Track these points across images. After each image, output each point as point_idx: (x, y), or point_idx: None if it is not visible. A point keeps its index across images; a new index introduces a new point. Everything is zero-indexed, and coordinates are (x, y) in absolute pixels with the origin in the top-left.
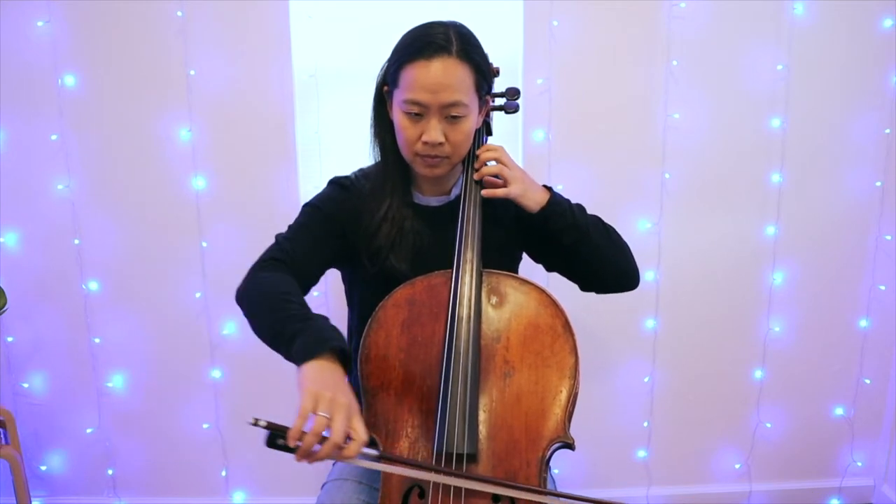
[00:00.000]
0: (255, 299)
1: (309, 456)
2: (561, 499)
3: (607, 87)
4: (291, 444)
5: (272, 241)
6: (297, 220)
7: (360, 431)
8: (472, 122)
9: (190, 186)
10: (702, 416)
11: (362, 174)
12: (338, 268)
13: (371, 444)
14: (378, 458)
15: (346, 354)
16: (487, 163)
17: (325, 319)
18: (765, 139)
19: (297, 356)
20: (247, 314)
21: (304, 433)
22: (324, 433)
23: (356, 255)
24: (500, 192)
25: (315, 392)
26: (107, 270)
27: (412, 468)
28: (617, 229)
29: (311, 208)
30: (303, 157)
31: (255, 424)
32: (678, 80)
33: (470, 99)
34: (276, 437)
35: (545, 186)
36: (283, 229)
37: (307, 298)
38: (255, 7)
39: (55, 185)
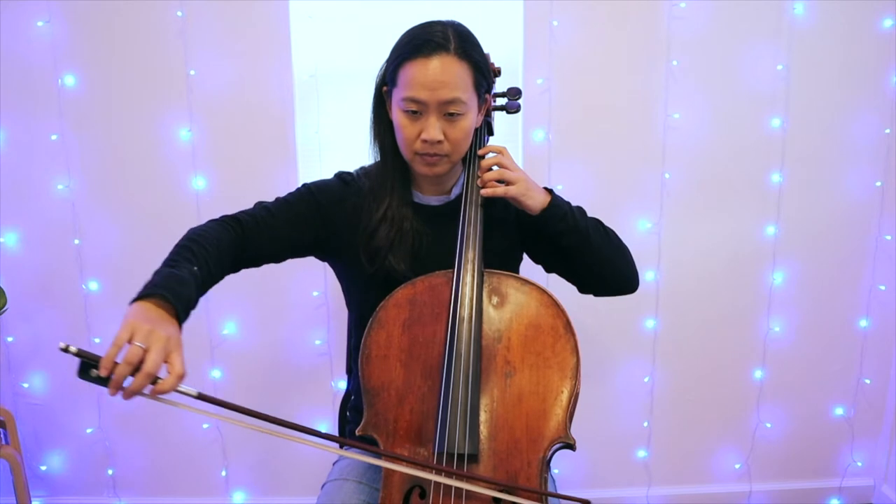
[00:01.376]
0: (176, 244)
1: (122, 389)
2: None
3: (607, 87)
4: (104, 373)
5: None
6: (286, 196)
7: (178, 365)
8: (471, 120)
9: (190, 186)
10: (702, 416)
11: (364, 172)
12: (328, 263)
13: (370, 443)
14: (198, 397)
15: (179, 308)
16: (489, 161)
17: (187, 271)
18: (765, 139)
19: (135, 297)
20: None
21: (116, 364)
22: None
23: (350, 253)
24: (499, 190)
25: (133, 323)
26: (107, 270)
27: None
28: (617, 232)
29: (305, 190)
30: (303, 157)
31: (66, 350)
32: (678, 80)
33: (468, 97)
34: (89, 366)
35: (546, 189)
36: None
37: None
38: (255, 7)
39: (55, 185)
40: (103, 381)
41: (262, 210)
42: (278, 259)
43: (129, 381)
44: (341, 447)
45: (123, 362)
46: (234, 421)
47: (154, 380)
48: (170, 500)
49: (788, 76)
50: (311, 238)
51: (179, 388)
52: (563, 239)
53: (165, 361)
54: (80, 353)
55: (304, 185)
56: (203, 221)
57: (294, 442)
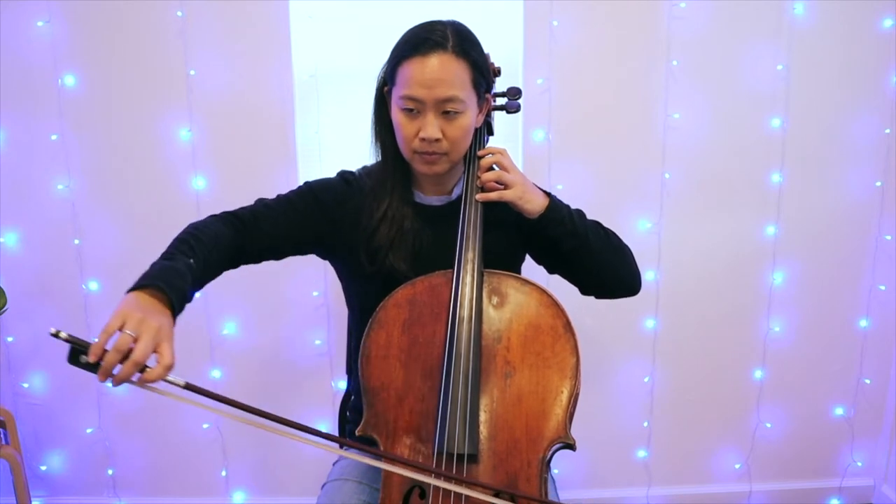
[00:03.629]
0: (175, 238)
1: (112, 376)
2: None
3: (607, 87)
4: (93, 359)
5: None
6: (287, 193)
7: (167, 355)
8: (470, 118)
9: (190, 186)
10: (702, 416)
11: (365, 172)
12: (329, 261)
13: (370, 443)
14: (185, 387)
15: (174, 299)
16: (488, 161)
17: (183, 264)
18: (765, 139)
19: (127, 290)
20: None
21: (106, 351)
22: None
23: (351, 252)
24: (493, 195)
25: (124, 312)
26: (107, 270)
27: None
28: (617, 233)
29: (306, 189)
30: (303, 157)
31: (56, 336)
32: (678, 80)
33: (467, 95)
34: (79, 352)
35: (545, 192)
36: None
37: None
38: (255, 7)
39: (55, 185)
40: (92, 368)
41: (262, 206)
42: (278, 255)
43: (118, 369)
44: (341, 447)
45: (113, 350)
46: (223, 413)
47: (143, 368)
48: (170, 500)
49: (788, 76)
50: (312, 235)
51: (167, 378)
52: (562, 243)
53: (155, 351)
54: (70, 339)
55: (306, 184)
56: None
57: (294, 441)
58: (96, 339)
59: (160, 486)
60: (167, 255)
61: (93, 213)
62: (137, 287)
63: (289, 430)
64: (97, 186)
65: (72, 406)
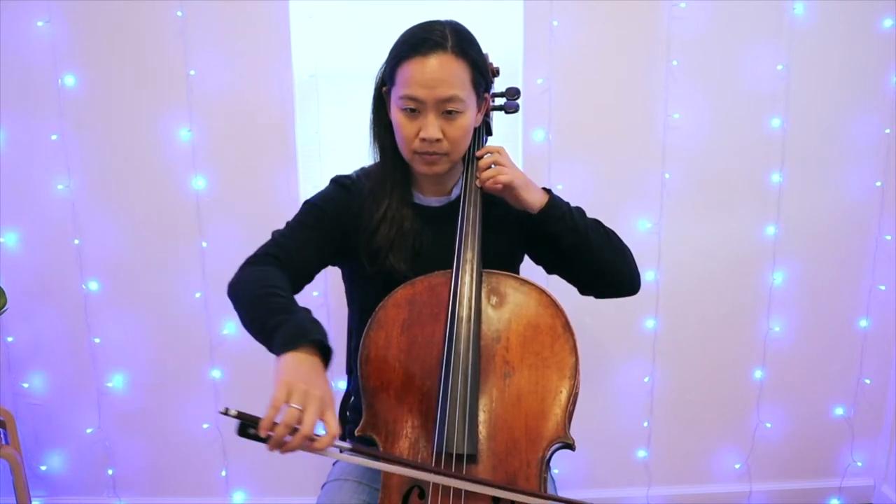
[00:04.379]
0: (243, 293)
1: (281, 446)
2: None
3: (607, 87)
4: (262, 434)
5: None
6: (295, 217)
7: (333, 425)
8: (470, 118)
9: (190, 186)
10: (702, 416)
11: (364, 173)
12: (337, 266)
13: (369, 443)
14: (352, 451)
15: (327, 348)
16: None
17: (307, 312)
18: (765, 139)
19: (277, 348)
20: (236, 307)
21: (275, 424)
22: (297, 426)
23: (354, 254)
24: (501, 178)
25: (289, 382)
26: (107, 270)
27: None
28: (617, 233)
29: (310, 206)
30: (303, 157)
31: (226, 414)
32: (678, 80)
33: (466, 95)
34: (247, 426)
35: (545, 189)
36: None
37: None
38: (255, 7)
39: (55, 185)
40: (262, 440)
41: (284, 239)
42: (311, 278)
43: (288, 438)
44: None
45: (282, 424)
46: (385, 468)
47: (311, 438)
48: (170, 500)
49: (788, 76)
50: (333, 247)
51: (334, 443)
52: (561, 239)
53: (321, 419)
54: (239, 415)
55: (307, 203)
56: (202, 221)
57: None
58: (265, 413)
59: (160, 486)
60: (283, 308)
61: (93, 213)
62: (290, 345)
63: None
64: (97, 186)
65: (72, 406)
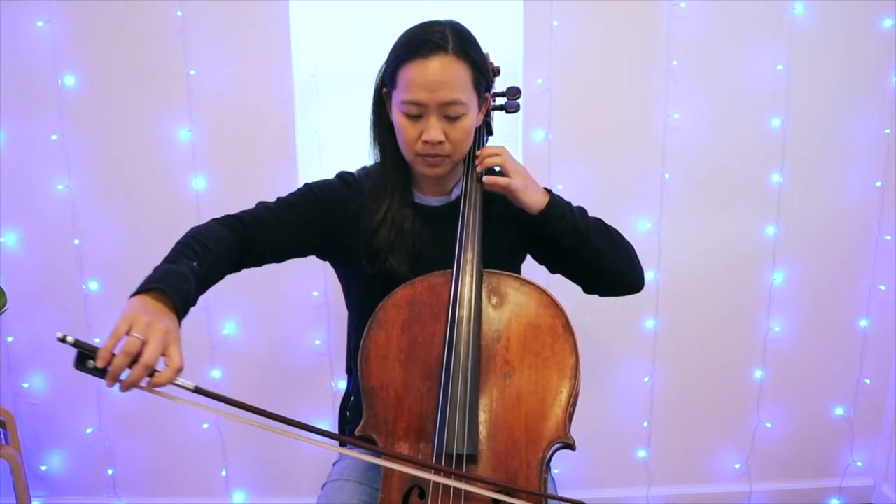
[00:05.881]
0: (177, 242)
1: (120, 381)
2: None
3: (607, 87)
4: (101, 364)
5: None
6: (288, 196)
7: (176, 359)
8: (472, 119)
9: (190, 186)
10: (702, 416)
11: (365, 173)
12: (322, 259)
13: (370, 442)
14: (195, 390)
15: (178, 303)
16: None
17: (187, 267)
18: (765, 139)
19: (133, 292)
20: None
21: (114, 355)
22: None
23: (351, 254)
24: (501, 180)
25: (131, 315)
26: (107, 270)
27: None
28: (620, 231)
29: (307, 190)
30: (303, 157)
31: (63, 340)
32: (678, 80)
33: (468, 97)
34: (86, 357)
35: (546, 189)
36: None
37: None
38: (255, 7)
39: (55, 185)
40: (100, 373)
41: (264, 210)
42: (280, 258)
43: (126, 374)
44: (342, 445)
45: (121, 353)
46: (231, 416)
47: (151, 372)
48: (170, 500)
49: (788, 76)
50: (314, 237)
51: (177, 382)
52: (563, 239)
53: (163, 354)
54: (77, 344)
55: (306, 185)
56: (203, 221)
57: (294, 440)
58: (104, 343)
59: (160, 486)
60: (170, 259)
61: (93, 213)
62: (142, 291)
63: (296, 432)
64: (97, 186)
65: (72, 406)
